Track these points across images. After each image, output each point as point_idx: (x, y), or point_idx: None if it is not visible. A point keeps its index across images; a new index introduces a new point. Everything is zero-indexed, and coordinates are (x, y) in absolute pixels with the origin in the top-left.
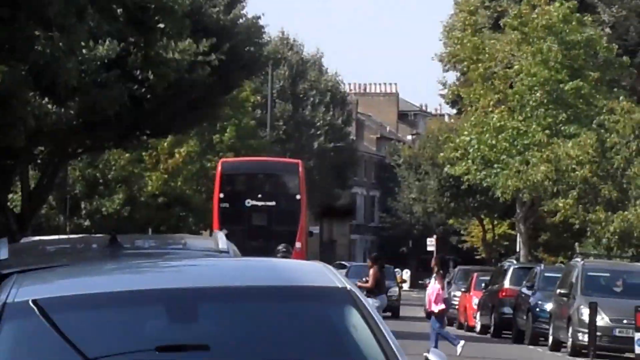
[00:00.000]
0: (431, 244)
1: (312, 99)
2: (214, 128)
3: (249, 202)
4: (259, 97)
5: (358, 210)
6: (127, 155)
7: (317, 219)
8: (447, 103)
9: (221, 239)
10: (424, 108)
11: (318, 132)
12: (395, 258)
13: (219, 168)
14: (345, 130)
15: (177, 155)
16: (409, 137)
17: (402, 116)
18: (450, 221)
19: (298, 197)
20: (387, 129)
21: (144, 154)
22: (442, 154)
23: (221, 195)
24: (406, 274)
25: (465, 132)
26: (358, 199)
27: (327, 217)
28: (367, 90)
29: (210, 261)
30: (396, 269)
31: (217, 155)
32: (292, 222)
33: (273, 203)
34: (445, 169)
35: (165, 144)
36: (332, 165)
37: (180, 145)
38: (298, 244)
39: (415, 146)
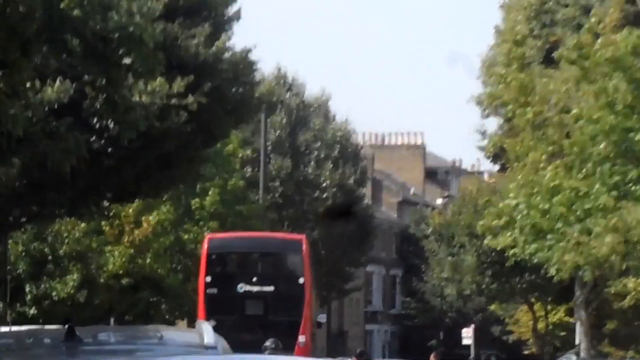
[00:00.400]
0: (467, 335)
1: (316, 152)
2: (193, 190)
3: (242, 287)
4: (249, 151)
5: (375, 294)
6: (82, 225)
7: (322, 304)
8: (488, 157)
9: (207, 332)
10: (457, 164)
11: (324, 195)
12: (421, 355)
13: (206, 246)
14: (359, 192)
15: (145, 225)
16: (439, 201)
17: (431, 174)
18: (492, 307)
19: (302, 280)
20: (412, 190)
21: (103, 223)
22: (481, 222)
23: (208, 278)
24: None
25: (511, 195)
26: (375, 280)
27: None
28: (386, 142)
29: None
30: None
31: (197, 225)
32: (295, 311)
33: (271, 288)
34: (486, 241)
35: (131, 210)
36: (342, 236)
37: (149, 212)
38: (302, 338)
39: (447, 212)
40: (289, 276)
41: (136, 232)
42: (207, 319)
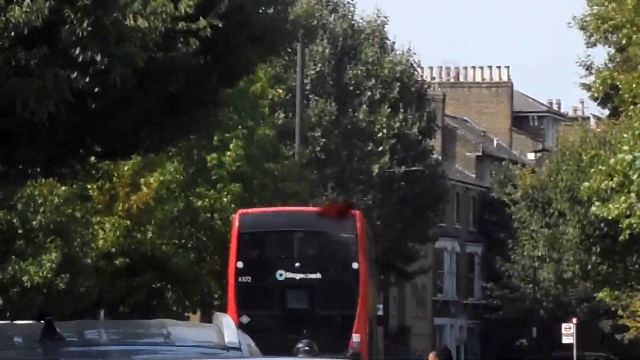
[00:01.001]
0: (568, 332)
1: (369, 93)
2: (208, 143)
3: (282, 275)
4: (281, 92)
5: (447, 278)
6: (63, 189)
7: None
8: (594, 99)
9: (227, 328)
10: (554, 107)
11: (379, 149)
12: (508, 356)
13: (236, 224)
14: (425, 144)
15: (145, 189)
16: (531, 156)
17: (519, 121)
18: (600, 294)
19: (355, 265)
20: (495, 142)
21: (90, 187)
22: (586, 184)
23: (239, 264)
24: None
25: (625, 147)
26: (447, 260)
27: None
28: (461, 80)
29: None
30: None
31: (213, 188)
32: (347, 304)
33: (318, 276)
34: (593, 209)
35: (127, 169)
36: (404, 203)
37: (151, 171)
38: (356, 337)
39: (541, 170)
40: (339, 260)
41: (133, 197)
42: (239, 314)
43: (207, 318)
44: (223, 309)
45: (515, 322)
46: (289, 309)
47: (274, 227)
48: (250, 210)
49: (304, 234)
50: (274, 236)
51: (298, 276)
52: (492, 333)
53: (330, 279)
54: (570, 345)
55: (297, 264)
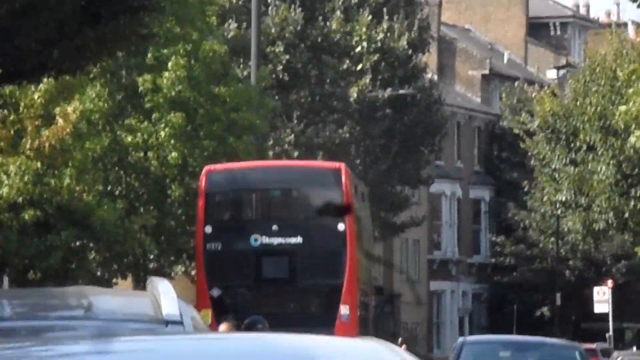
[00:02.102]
0: (602, 298)
1: None
2: (140, 62)
3: (257, 240)
4: None
5: (445, 231)
6: None
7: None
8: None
9: (166, 297)
10: (581, 11)
11: (358, 67)
12: (525, 329)
13: (203, 183)
14: (416, 61)
15: (61, 121)
16: (552, 74)
17: (536, 29)
18: None
19: (342, 227)
20: (505, 56)
21: None
22: (622, 108)
23: (208, 229)
24: None
25: None
26: (446, 207)
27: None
28: None
29: (150, 345)
30: None
31: (147, 119)
32: (334, 272)
33: (298, 240)
34: (632, 140)
35: (37, 97)
36: (390, 135)
37: (67, 98)
38: (344, 310)
39: (565, 92)
40: (323, 222)
41: (45, 133)
42: (209, 287)
43: (140, 285)
44: (161, 272)
45: (534, 287)
46: (266, 280)
47: (246, 185)
48: (218, 166)
49: (281, 192)
50: (246, 195)
51: (276, 241)
52: (504, 300)
53: (312, 244)
54: (604, 315)
55: (274, 227)
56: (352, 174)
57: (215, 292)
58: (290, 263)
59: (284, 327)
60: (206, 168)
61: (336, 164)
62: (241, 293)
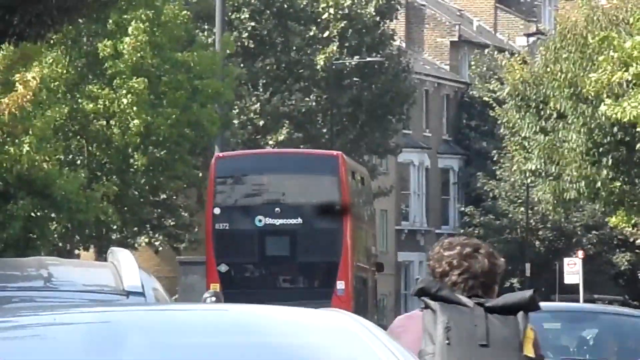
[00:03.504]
0: (572, 270)
1: None
2: (100, 27)
3: (262, 221)
4: None
5: (413, 201)
6: None
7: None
8: None
9: (128, 267)
10: None
11: (325, 34)
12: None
13: (212, 169)
14: (384, 28)
15: (20, 88)
16: (522, 41)
17: None
18: (614, 219)
19: (338, 209)
20: (475, 23)
21: None
22: (593, 76)
23: (216, 210)
24: None
25: None
26: (414, 177)
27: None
28: None
29: (110, 316)
30: None
31: (109, 86)
32: (331, 250)
33: (299, 221)
34: (602, 108)
35: None
36: (358, 104)
37: (26, 65)
38: (340, 285)
39: (535, 60)
40: (321, 204)
41: (5, 100)
42: (217, 263)
43: (103, 256)
44: (124, 243)
45: (503, 257)
46: (269, 256)
47: (252, 170)
48: (226, 153)
49: (283, 177)
50: (251, 180)
51: (278, 222)
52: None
53: (311, 224)
54: (575, 287)
55: (276, 209)
56: (349, 161)
57: (223, 268)
58: (291, 242)
59: (285, 300)
60: (216, 155)
61: (334, 153)
62: (246, 269)
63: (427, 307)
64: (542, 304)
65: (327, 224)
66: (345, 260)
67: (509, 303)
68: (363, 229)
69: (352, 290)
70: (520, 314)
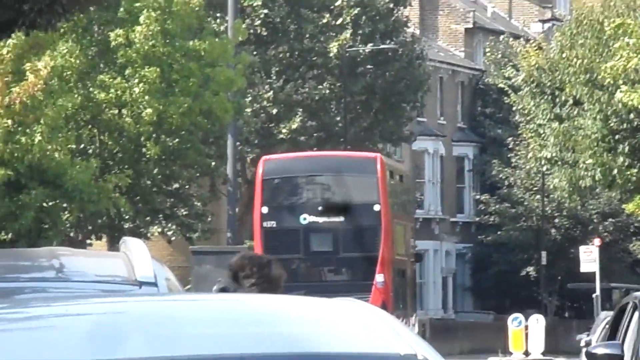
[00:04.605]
0: (589, 258)
1: None
2: (111, 16)
3: (306, 219)
4: None
5: (428, 189)
6: None
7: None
8: None
9: (140, 257)
10: None
11: (338, 21)
12: (510, 289)
13: (260, 170)
14: (398, 15)
15: (32, 77)
16: (537, 27)
17: None
18: (630, 206)
19: (377, 207)
20: (489, 9)
21: None
22: (609, 64)
23: (264, 209)
24: (536, 322)
25: None
26: (428, 165)
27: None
28: None
29: (122, 307)
30: (516, 316)
31: (120, 74)
32: (370, 246)
33: (341, 219)
34: (618, 95)
35: (6, 52)
36: (371, 91)
37: (38, 54)
38: (380, 277)
39: (550, 47)
40: (361, 203)
41: (16, 89)
42: None
43: (115, 246)
44: (137, 233)
45: (519, 246)
46: (313, 252)
47: (297, 172)
48: (273, 156)
49: (326, 178)
50: (297, 181)
51: (321, 220)
52: (488, 260)
53: (352, 222)
54: (591, 275)
55: (320, 208)
56: (387, 161)
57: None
58: (333, 238)
59: (329, 292)
60: (263, 158)
61: (373, 155)
62: (292, 263)
63: None
64: None
65: (367, 221)
66: (384, 255)
67: None
68: (402, 224)
69: (391, 282)
70: None
